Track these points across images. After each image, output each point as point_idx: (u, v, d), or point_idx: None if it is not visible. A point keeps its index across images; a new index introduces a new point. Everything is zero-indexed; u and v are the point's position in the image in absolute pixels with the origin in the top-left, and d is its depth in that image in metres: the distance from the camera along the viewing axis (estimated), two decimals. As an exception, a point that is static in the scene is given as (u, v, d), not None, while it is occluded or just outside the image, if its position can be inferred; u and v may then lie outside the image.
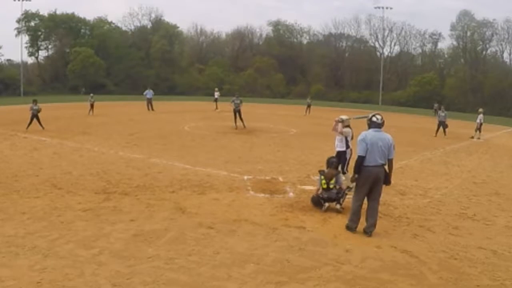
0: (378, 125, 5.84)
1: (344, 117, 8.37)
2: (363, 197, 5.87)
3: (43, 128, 15.91)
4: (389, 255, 5.21)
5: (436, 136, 19.62)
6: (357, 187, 5.88)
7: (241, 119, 18.96)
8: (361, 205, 5.89)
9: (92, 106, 24.08)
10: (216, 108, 30.38)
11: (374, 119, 5.90)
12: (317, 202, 6.95)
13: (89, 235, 5.44)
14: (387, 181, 5.81)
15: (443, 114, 19.99)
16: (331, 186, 6.99)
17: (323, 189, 6.99)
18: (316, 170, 10.08)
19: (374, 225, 5.84)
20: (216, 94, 32.04)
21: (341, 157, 8.13)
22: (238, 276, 4.46)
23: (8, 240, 5.17)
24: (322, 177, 7.06)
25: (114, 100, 36.66)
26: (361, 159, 5.69)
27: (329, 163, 7.25)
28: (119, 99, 39.36)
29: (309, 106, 30.47)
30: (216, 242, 5.35)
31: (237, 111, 18.95)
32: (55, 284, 4.13)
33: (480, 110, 20.45)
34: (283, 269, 4.67)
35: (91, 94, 25.55)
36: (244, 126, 18.82)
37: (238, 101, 19.11)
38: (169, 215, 6.37)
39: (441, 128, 19.94)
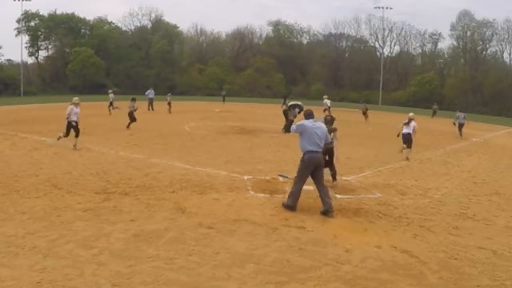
0: (312, 116, 6.79)
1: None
2: (305, 180, 6.55)
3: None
4: (389, 255, 5.20)
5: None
6: (301, 171, 6.65)
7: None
8: (301, 188, 6.55)
9: (111, 104, 24.12)
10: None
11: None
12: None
13: (89, 235, 5.44)
14: (327, 164, 6.57)
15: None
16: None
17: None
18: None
19: (331, 205, 6.25)
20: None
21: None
22: (238, 276, 4.46)
23: (8, 240, 5.17)
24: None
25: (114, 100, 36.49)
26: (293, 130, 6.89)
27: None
28: (119, 99, 39.09)
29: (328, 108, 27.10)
30: (216, 242, 5.35)
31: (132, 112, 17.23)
32: (55, 284, 4.12)
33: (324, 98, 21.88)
34: (283, 269, 4.67)
35: (112, 96, 25.38)
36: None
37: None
38: (169, 215, 6.37)
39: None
